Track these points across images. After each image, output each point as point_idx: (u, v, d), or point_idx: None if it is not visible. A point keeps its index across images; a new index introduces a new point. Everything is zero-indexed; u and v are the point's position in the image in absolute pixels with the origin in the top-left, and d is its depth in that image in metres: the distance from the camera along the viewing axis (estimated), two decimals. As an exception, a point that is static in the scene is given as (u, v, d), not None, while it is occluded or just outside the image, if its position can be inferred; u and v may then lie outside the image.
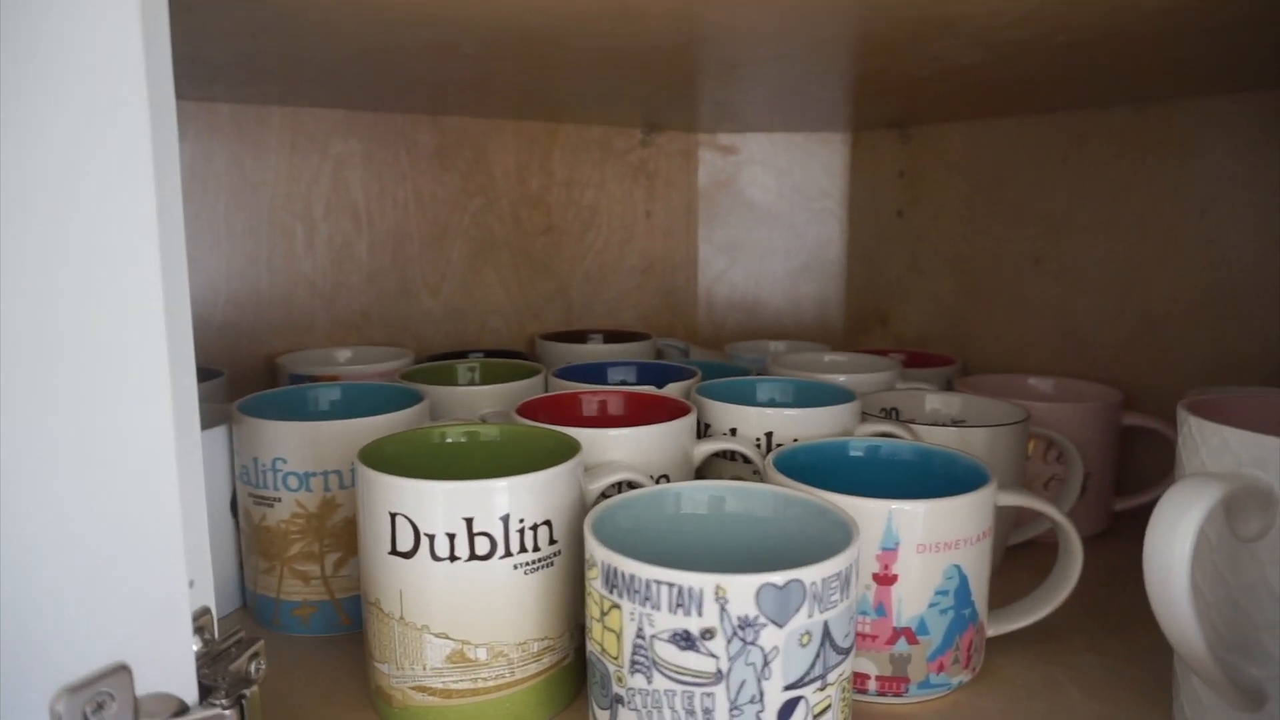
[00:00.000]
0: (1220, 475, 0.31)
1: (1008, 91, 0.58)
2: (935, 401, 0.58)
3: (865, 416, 0.52)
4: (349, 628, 0.46)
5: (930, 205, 0.78)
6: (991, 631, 0.42)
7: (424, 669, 0.36)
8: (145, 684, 0.26)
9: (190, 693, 0.28)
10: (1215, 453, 0.33)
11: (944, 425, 0.56)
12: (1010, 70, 0.49)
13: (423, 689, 0.36)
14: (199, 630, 0.29)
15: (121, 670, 0.26)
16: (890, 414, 0.58)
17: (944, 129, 0.76)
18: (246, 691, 0.28)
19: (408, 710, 0.36)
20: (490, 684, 0.36)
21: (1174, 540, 0.30)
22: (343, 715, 0.38)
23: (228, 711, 0.28)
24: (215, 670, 0.29)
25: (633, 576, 0.31)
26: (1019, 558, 0.55)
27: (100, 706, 0.25)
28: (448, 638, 0.36)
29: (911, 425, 0.50)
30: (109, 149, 0.24)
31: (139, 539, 0.27)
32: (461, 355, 0.71)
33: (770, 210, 0.86)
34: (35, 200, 0.23)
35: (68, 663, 0.25)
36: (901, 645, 0.38)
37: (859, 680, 0.39)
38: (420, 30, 0.39)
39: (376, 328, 0.71)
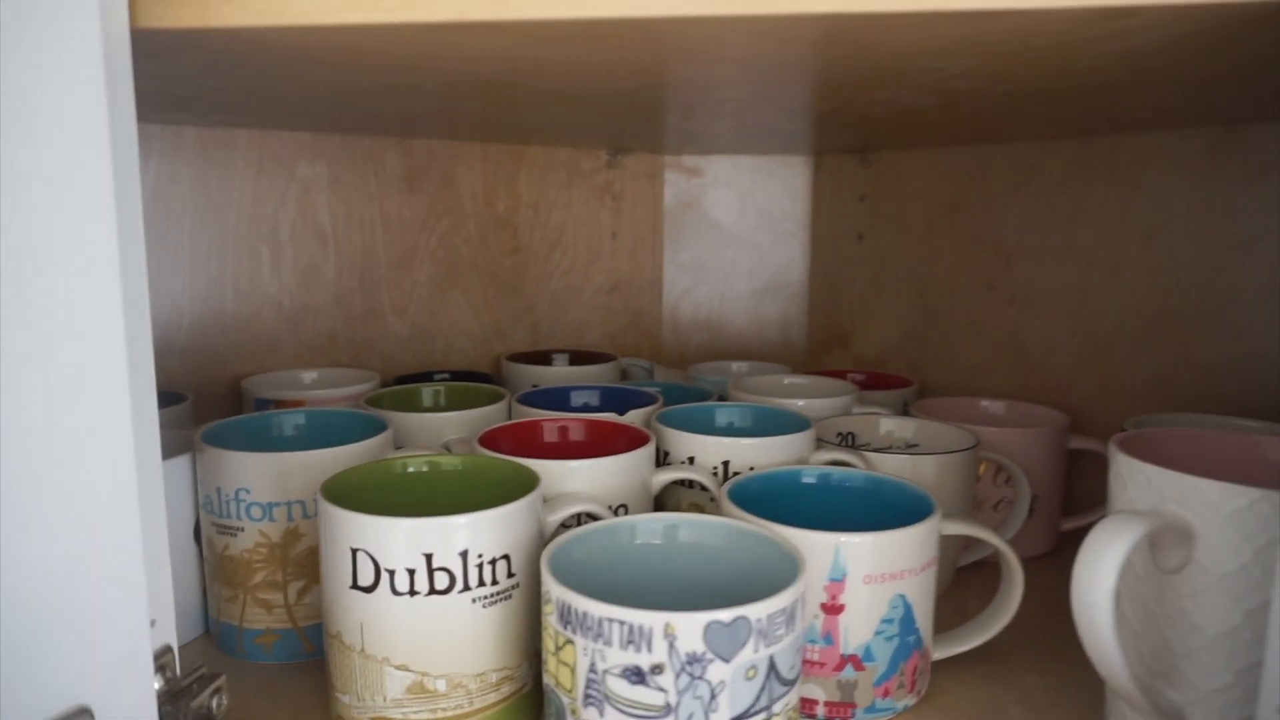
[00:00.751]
0: (1142, 513, 0.33)
1: (962, 126, 0.60)
2: (890, 425, 0.59)
3: (821, 442, 0.54)
4: (312, 654, 0.46)
5: (890, 229, 0.80)
6: (937, 655, 0.44)
7: (384, 700, 0.37)
8: (105, 727, 0.27)
9: (152, 731, 0.28)
10: (1140, 490, 0.35)
11: (898, 450, 0.58)
12: (959, 111, 0.51)
13: (383, 720, 0.37)
14: (161, 669, 0.30)
15: (83, 714, 0.26)
16: (847, 438, 0.59)
17: (903, 156, 0.78)
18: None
19: (368, 740, 0.37)
20: (449, 714, 0.37)
21: (1097, 575, 0.32)
22: (304, 744, 0.39)
23: (188, 751, 0.28)
24: (177, 708, 0.30)
25: (586, 614, 0.32)
26: (968, 579, 0.56)
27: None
28: (408, 669, 0.37)
29: (865, 452, 0.51)
30: (69, 173, 0.25)
31: (100, 578, 0.28)
32: (427, 377, 0.72)
33: (734, 232, 0.87)
34: (-1, 263, 0.24)
35: (32, 703, 0.25)
36: (848, 672, 0.40)
37: (808, 706, 0.40)
38: (383, 74, 0.40)
39: (343, 349, 0.72)
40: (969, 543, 0.57)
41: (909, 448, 0.58)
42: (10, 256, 0.24)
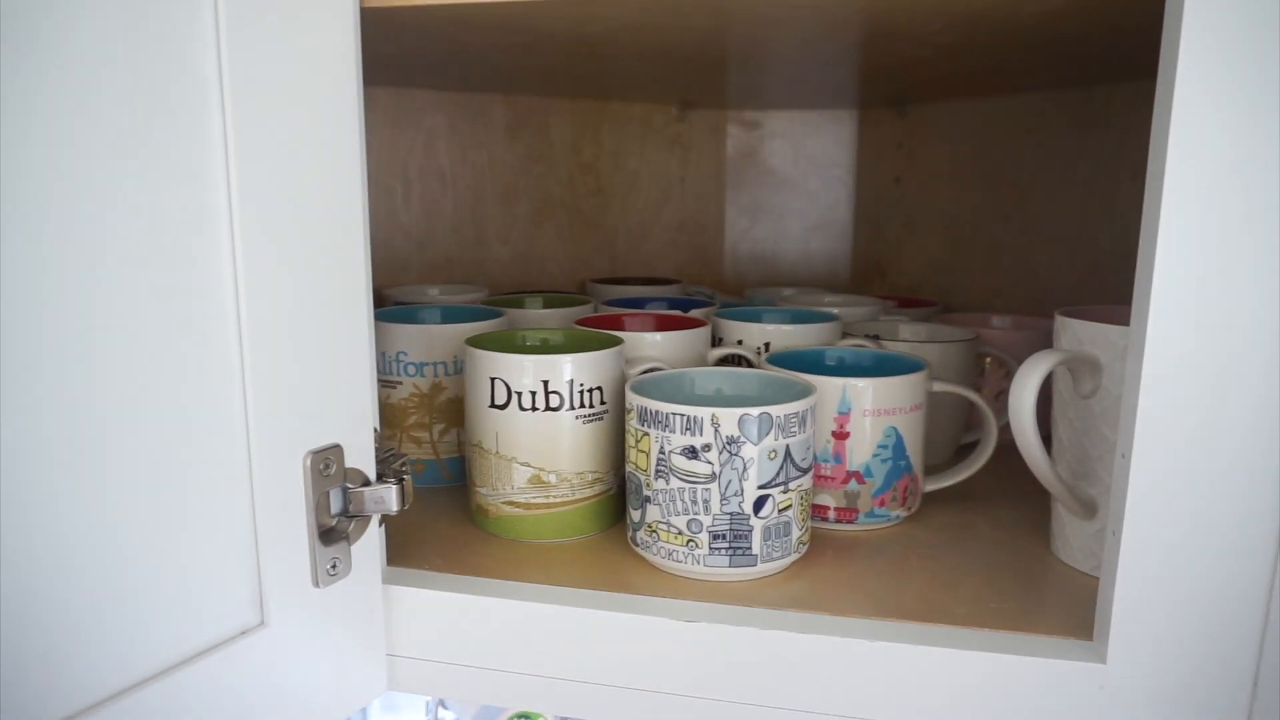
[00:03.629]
0: (1059, 350, 0.45)
1: (969, 78, 0.71)
2: (906, 331, 0.72)
3: (846, 334, 0.66)
4: (448, 481, 0.61)
5: (922, 173, 0.91)
6: (928, 487, 0.57)
7: (511, 489, 0.52)
8: (349, 460, 0.42)
9: (372, 472, 0.43)
10: (1068, 338, 0.47)
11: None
12: (959, 64, 0.62)
13: (511, 503, 0.52)
14: (375, 436, 0.45)
15: (337, 447, 0.41)
16: (873, 339, 0.72)
17: (934, 108, 0.89)
18: (405, 476, 0.44)
19: (500, 520, 0.52)
20: (558, 501, 0.52)
21: (1022, 392, 0.44)
22: (450, 529, 0.54)
23: (393, 485, 0.43)
24: (383, 465, 0.45)
25: (658, 412, 0.46)
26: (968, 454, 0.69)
27: (327, 465, 0.41)
28: (529, 466, 0.51)
29: (880, 342, 0.64)
30: (333, 131, 0.40)
31: (351, 375, 0.42)
32: (527, 294, 0.86)
33: (787, 177, 1.00)
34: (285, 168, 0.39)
35: (310, 434, 0.40)
36: (853, 485, 0.53)
37: (820, 511, 0.53)
38: (511, 35, 0.53)
39: (457, 269, 0.87)
40: (970, 424, 0.69)
41: (923, 343, 0.71)
42: (293, 197, 0.39)
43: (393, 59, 0.63)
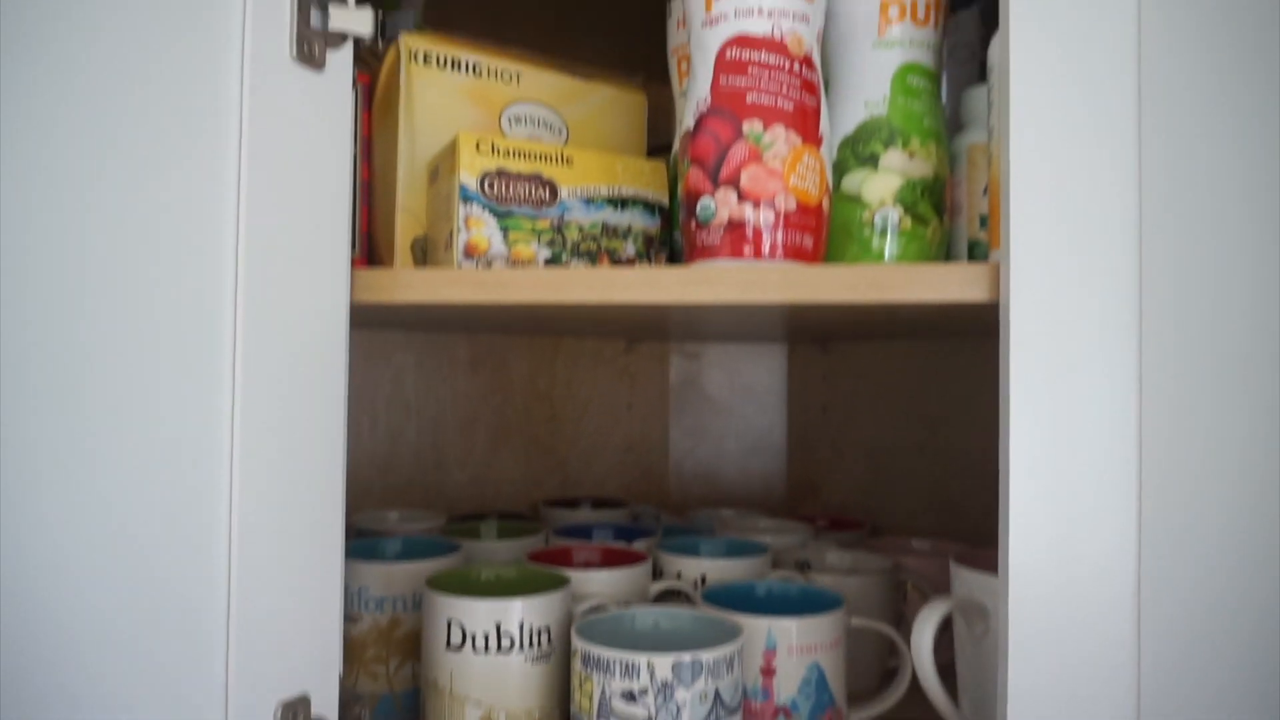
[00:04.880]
0: (951, 597, 0.52)
1: (890, 327, 0.82)
2: (833, 558, 0.78)
3: (775, 566, 0.72)
4: (401, 715, 0.64)
5: (846, 403, 1.01)
6: (852, 717, 0.61)
7: (464, 727, 0.55)
8: (315, 708, 0.46)
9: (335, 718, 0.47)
10: (962, 584, 0.54)
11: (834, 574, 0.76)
12: (866, 322, 0.72)
13: (462, 742, 0.55)
14: (340, 683, 0.49)
15: (305, 698, 0.45)
16: (803, 565, 0.78)
17: (854, 346, 1.00)
18: (366, 722, 0.48)
19: (451, 758, 0.55)
20: (507, 739, 0.55)
21: (920, 639, 0.50)
22: (405, 764, 0.57)
23: (356, 733, 0.47)
24: (344, 710, 0.49)
25: (599, 657, 0.50)
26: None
27: (294, 716, 0.45)
28: (480, 704, 0.55)
29: (808, 573, 0.70)
30: (320, 373, 0.47)
31: (315, 616, 0.47)
32: (482, 517, 0.91)
33: (725, 403, 1.09)
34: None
35: (282, 685, 0.44)
36: (780, 719, 0.57)
37: (754, 744, 0.57)
38: (479, 311, 0.62)
39: (417, 492, 0.92)
40: (894, 649, 0.74)
41: (847, 573, 0.77)
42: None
43: (372, 315, 0.72)
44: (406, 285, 0.52)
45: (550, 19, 0.92)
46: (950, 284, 0.47)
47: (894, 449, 0.95)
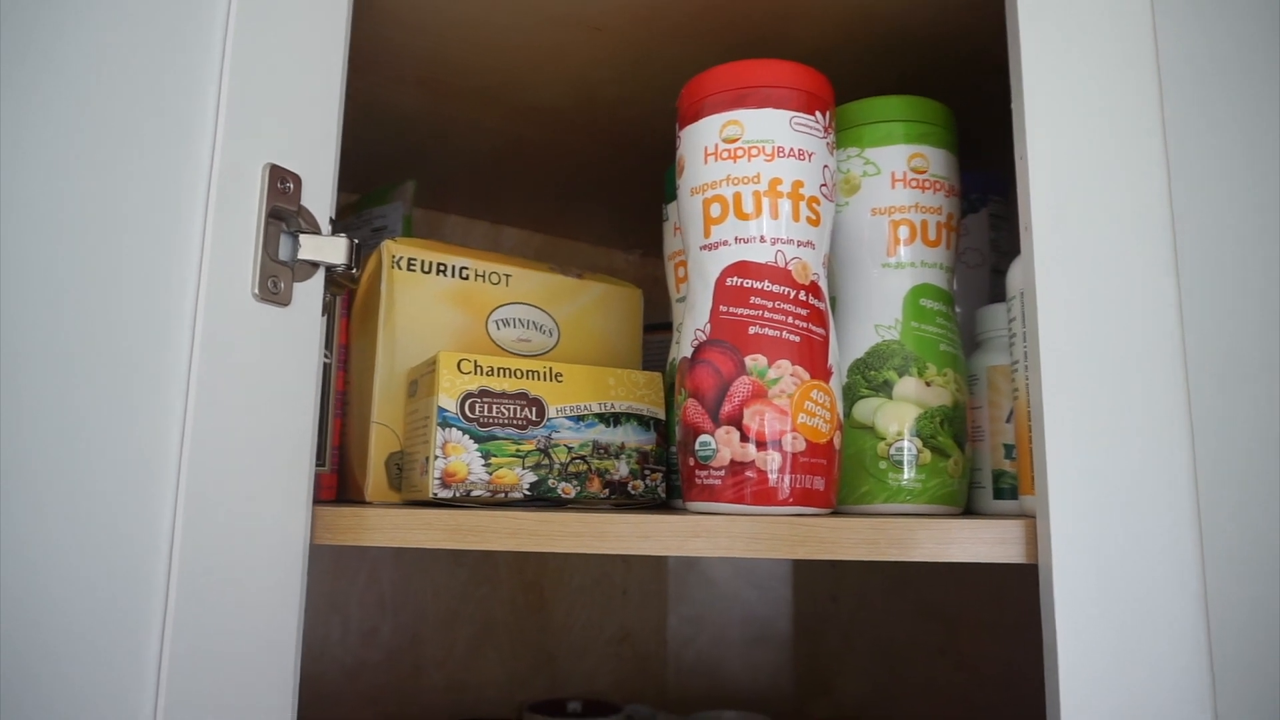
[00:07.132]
0: None
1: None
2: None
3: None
4: None
5: (855, 595, 0.94)
6: None
7: None
8: None
9: None
10: None
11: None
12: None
13: None
14: None
15: None
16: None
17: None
18: None
19: None
20: None
21: None
22: None
23: None
24: None
25: None
26: None
27: None
28: None
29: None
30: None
31: None
32: (461, 727, 0.83)
33: (728, 590, 1.02)
34: None
35: None
36: None
37: None
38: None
39: (390, 698, 0.84)
40: None
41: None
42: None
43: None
44: (374, 528, 0.46)
45: (550, 195, 0.90)
46: (981, 543, 0.42)
47: (910, 651, 0.88)
